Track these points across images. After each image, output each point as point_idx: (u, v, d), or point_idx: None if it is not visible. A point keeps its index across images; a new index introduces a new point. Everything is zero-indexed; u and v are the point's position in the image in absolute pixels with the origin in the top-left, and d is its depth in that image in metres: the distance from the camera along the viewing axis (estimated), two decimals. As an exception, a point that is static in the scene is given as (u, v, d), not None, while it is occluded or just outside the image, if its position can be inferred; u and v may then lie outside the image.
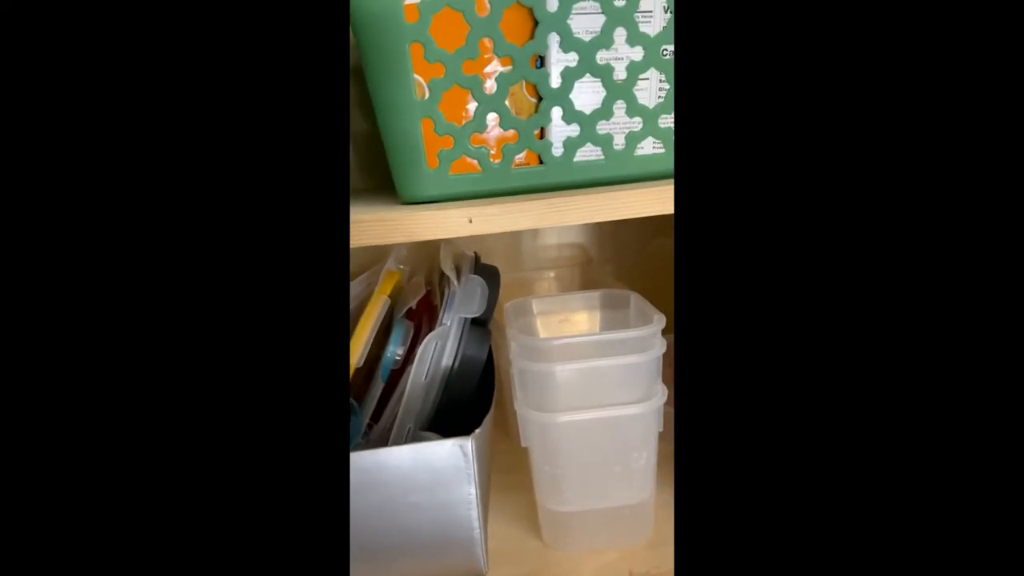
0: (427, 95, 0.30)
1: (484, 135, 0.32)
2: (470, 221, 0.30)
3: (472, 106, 0.32)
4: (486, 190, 0.32)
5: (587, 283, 0.66)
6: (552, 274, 0.67)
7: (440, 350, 0.42)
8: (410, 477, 0.35)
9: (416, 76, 0.30)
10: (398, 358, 0.45)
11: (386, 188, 0.56)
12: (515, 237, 0.66)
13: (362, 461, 0.35)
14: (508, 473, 0.49)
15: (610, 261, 0.67)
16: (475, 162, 0.32)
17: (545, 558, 0.39)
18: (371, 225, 0.30)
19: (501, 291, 0.58)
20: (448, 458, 0.35)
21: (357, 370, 0.43)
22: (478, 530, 0.37)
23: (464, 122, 0.31)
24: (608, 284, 0.58)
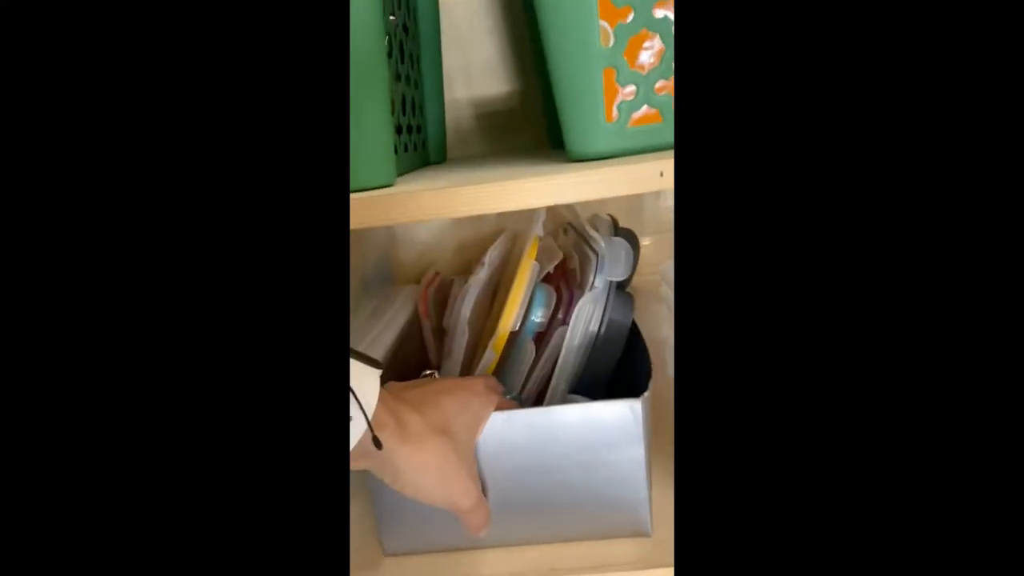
0: (612, 42, 0.28)
1: (669, 81, 0.30)
2: (661, 175, 0.28)
3: (656, 50, 0.30)
4: (668, 142, 0.31)
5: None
6: (669, 235, 0.65)
7: (591, 314, 0.42)
8: (580, 436, 0.35)
9: (601, 22, 0.28)
10: (541, 322, 0.45)
11: (522, 151, 0.56)
12: (636, 198, 0.64)
13: (534, 419, 0.35)
14: (658, 435, 0.48)
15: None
16: (656, 112, 0.30)
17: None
18: (544, 183, 0.29)
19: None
20: (618, 419, 0.35)
21: (510, 335, 0.43)
22: (645, 491, 0.36)
23: (648, 69, 0.29)
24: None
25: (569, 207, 0.53)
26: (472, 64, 0.58)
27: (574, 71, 0.29)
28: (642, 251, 0.64)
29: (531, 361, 0.42)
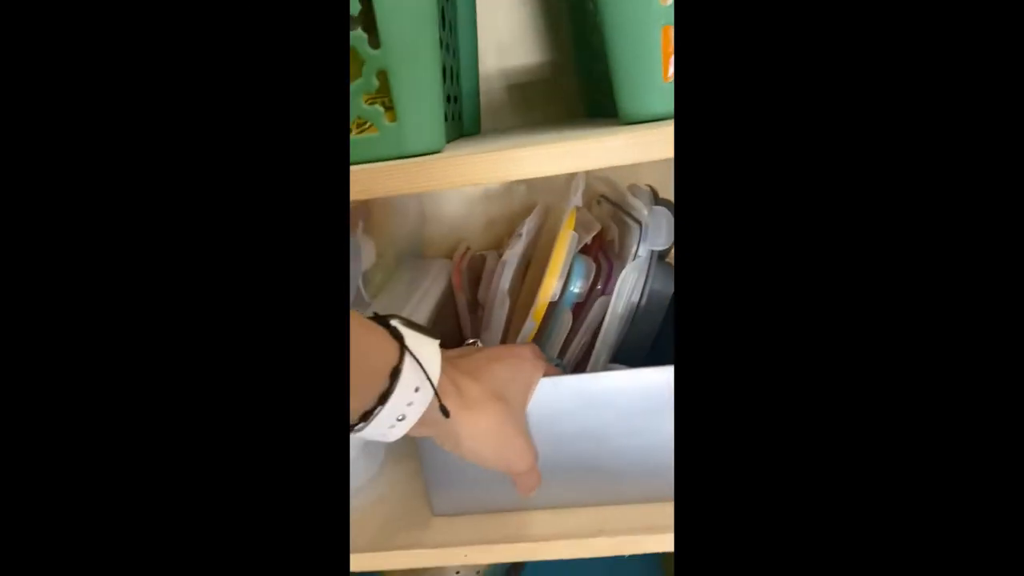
0: (670, 0, 0.28)
1: None
2: (721, 135, 0.28)
3: None
4: None
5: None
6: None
7: (634, 284, 0.42)
8: (625, 402, 0.36)
9: (661, -22, 0.28)
10: (580, 292, 0.46)
11: (556, 121, 0.55)
12: (669, 167, 0.63)
13: (582, 385, 0.36)
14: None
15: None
16: None
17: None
18: (594, 146, 0.29)
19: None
20: (663, 386, 0.35)
21: (550, 304, 0.44)
22: (691, 456, 0.37)
23: None
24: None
25: (607, 179, 0.53)
26: (502, 35, 0.58)
27: (632, 29, 0.29)
28: None
29: (567, 331, 0.42)
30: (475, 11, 0.50)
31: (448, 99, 0.43)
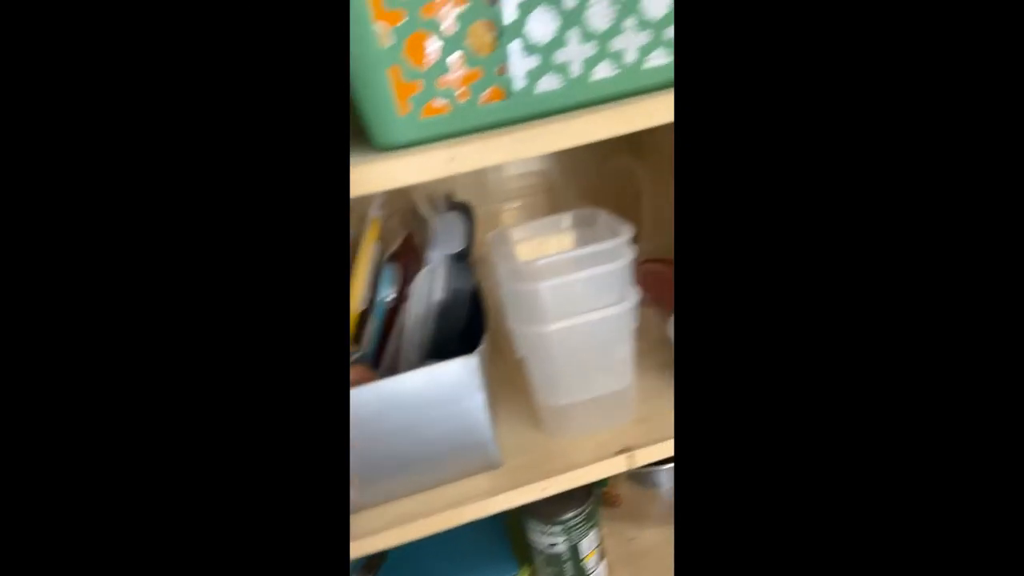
0: (391, 43, 0.31)
1: (450, 76, 0.34)
2: (450, 161, 0.32)
3: (435, 48, 0.33)
4: (458, 130, 0.35)
5: (553, 208, 0.69)
6: (518, 204, 0.70)
7: (430, 286, 0.46)
8: (426, 396, 0.40)
9: (379, 23, 0.31)
10: (391, 299, 0.49)
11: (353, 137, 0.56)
12: (479, 172, 0.68)
13: (382, 389, 0.39)
14: (503, 384, 0.55)
15: (571, 185, 0.71)
16: (444, 103, 0.34)
17: (549, 445, 0.46)
18: (354, 175, 0.32)
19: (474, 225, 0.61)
20: (457, 376, 0.40)
21: (362, 313, 0.46)
22: (490, 432, 0.42)
23: (429, 65, 0.33)
24: (573, 207, 0.62)
25: (410, 187, 0.56)
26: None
27: (362, 71, 0.32)
28: (500, 218, 0.69)
29: (376, 336, 0.45)
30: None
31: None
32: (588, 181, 0.71)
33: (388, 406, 0.40)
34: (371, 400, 0.39)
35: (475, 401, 0.41)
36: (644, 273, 0.60)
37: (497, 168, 0.68)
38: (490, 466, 0.44)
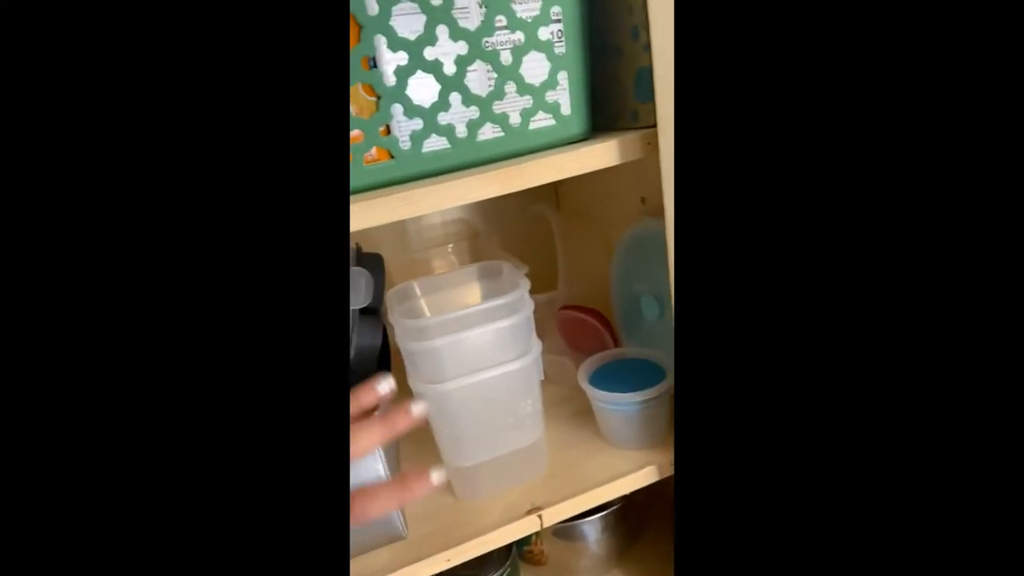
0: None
1: (388, 124, 0.34)
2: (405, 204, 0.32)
3: (371, 99, 0.33)
4: (399, 177, 0.35)
5: (477, 255, 0.69)
6: (440, 251, 0.70)
7: (332, 344, 0.44)
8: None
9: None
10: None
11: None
12: (399, 221, 0.68)
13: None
14: (414, 443, 0.52)
15: (496, 231, 0.71)
16: (386, 151, 0.33)
17: (458, 509, 0.44)
18: None
19: (394, 274, 0.60)
20: (351, 442, 0.38)
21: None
22: (391, 499, 0.40)
23: (370, 115, 0.32)
24: (495, 254, 0.62)
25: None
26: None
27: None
28: (430, 265, 0.68)
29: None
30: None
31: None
32: (512, 227, 0.71)
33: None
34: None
35: (372, 470, 0.39)
36: (561, 320, 0.60)
37: (418, 216, 0.68)
38: (393, 538, 0.41)
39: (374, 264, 0.50)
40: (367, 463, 0.39)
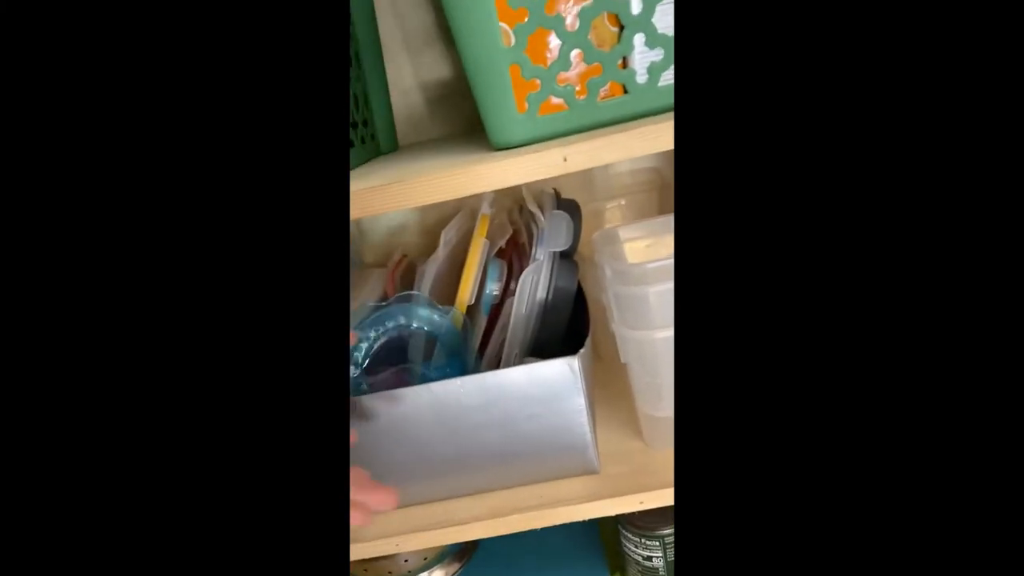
0: (513, 42, 0.31)
1: (568, 73, 0.33)
2: (564, 160, 0.32)
3: (555, 45, 0.33)
4: (576, 127, 0.34)
5: (664, 207, 0.66)
6: (623, 202, 0.68)
7: (535, 284, 0.46)
8: (527, 393, 0.40)
9: (501, 24, 0.31)
10: (496, 294, 0.50)
11: (465, 135, 0.59)
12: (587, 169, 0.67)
13: (485, 382, 0.40)
14: (603, 388, 0.53)
15: (685, 182, 0.67)
16: (562, 100, 0.33)
17: (648, 456, 0.44)
18: (465, 174, 0.32)
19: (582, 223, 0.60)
20: (559, 375, 0.40)
21: (469, 307, 0.48)
22: (590, 435, 0.42)
23: (549, 63, 0.32)
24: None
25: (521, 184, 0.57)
26: (422, 58, 0.61)
27: (484, 70, 0.32)
28: (605, 216, 0.67)
29: (482, 330, 0.47)
30: (378, 38, 0.53)
31: (356, 124, 0.46)
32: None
33: (490, 398, 0.40)
34: (474, 391, 0.40)
35: (576, 403, 0.40)
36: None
37: (606, 164, 0.66)
38: (587, 471, 0.43)
39: (572, 210, 0.51)
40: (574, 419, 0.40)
